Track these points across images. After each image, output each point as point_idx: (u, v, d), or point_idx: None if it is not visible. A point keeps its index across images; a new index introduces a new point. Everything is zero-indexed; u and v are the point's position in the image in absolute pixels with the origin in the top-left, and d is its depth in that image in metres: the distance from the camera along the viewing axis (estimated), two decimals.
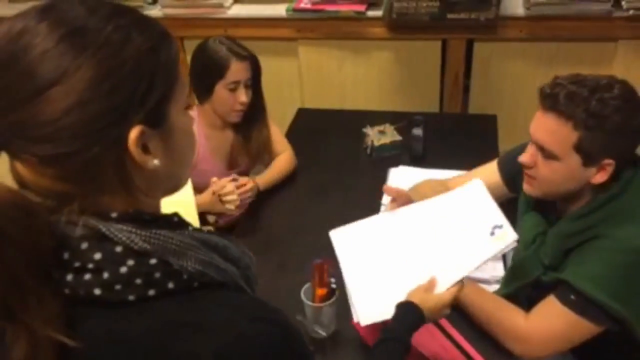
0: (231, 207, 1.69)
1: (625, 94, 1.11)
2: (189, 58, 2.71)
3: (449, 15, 2.32)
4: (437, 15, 2.33)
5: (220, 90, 1.73)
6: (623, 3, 2.25)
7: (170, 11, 2.62)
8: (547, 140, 1.15)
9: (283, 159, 1.92)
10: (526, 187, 1.25)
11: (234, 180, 1.73)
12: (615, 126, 1.09)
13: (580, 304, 1.14)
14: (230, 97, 1.75)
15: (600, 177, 1.14)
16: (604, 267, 1.12)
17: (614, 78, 1.16)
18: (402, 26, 2.44)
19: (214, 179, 1.73)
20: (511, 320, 1.22)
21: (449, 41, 2.49)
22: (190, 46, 2.73)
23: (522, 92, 2.52)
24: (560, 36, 2.34)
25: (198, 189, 1.89)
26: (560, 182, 1.18)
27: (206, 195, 1.72)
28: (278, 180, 1.87)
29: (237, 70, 1.72)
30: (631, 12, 2.23)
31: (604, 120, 1.08)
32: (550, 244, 1.22)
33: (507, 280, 1.33)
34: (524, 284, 1.28)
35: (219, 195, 1.69)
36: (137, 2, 2.65)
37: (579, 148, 1.11)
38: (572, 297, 1.15)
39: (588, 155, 1.12)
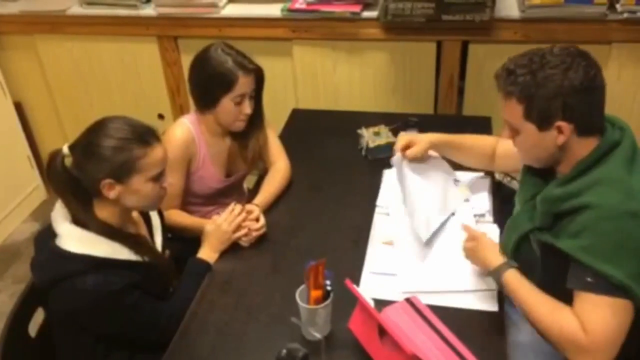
0: (245, 244, 1.64)
1: (561, 59, 1.19)
2: (182, 57, 2.75)
3: (444, 17, 2.32)
4: (432, 17, 2.33)
5: (226, 103, 1.71)
6: (617, 6, 2.25)
7: (164, 10, 2.60)
8: (506, 118, 1.29)
9: (280, 174, 1.86)
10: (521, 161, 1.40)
11: (248, 212, 1.65)
12: (548, 92, 1.18)
13: (598, 283, 1.16)
14: (235, 109, 1.73)
15: (561, 139, 1.22)
16: (595, 237, 1.17)
17: (556, 46, 1.23)
18: (397, 27, 2.44)
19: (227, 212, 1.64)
20: (570, 330, 1.19)
21: (444, 43, 2.49)
22: (184, 45, 2.73)
23: None
24: (555, 39, 2.34)
25: (196, 195, 1.88)
26: (531, 150, 1.29)
27: (215, 233, 1.62)
28: (277, 197, 1.82)
29: (244, 83, 1.70)
30: (625, 15, 2.24)
31: (536, 89, 1.19)
32: (539, 207, 1.30)
33: (506, 233, 1.42)
34: (520, 236, 1.35)
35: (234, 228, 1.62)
36: (132, 2, 2.64)
37: (527, 117, 1.23)
38: (589, 279, 1.17)
39: (538, 121, 1.22)
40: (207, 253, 1.60)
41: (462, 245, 1.45)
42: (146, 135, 1.36)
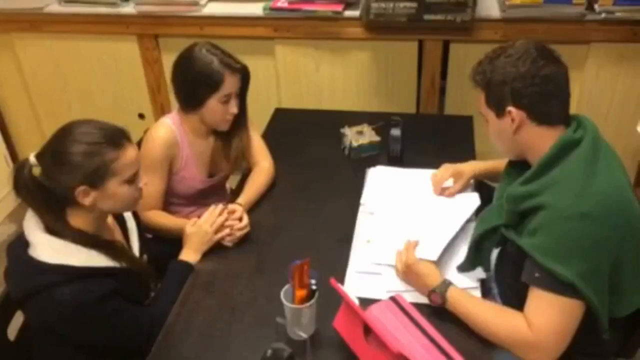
0: (229, 244, 1.63)
1: (516, 49, 1.27)
2: (163, 56, 2.73)
3: (426, 17, 2.33)
4: (414, 17, 2.34)
5: (212, 103, 1.70)
6: (595, 7, 2.29)
7: (144, 8, 2.58)
8: (478, 107, 1.37)
9: (263, 173, 1.86)
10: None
11: (230, 212, 1.64)
12: (500, 77, 1.27)
13: (544, 279, 1.20)
14: (221, 109, 1.71)
15: (514, 125, 1.29)
16: (548, 237, 1.21)
17: (520, 40, 1.30)
18: (379, 27, 2.44)
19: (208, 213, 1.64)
20: (516, 330, 1.22)
21: (426, 42, 2.51)
22: (165, 44, 2.70)
23: None
24: (535, 38, 2.36)
25: (178, 195, 1.86)
26: (496, 138, 1.37)
27: (196, 233, 1.61)
28: (260, 196, 1.82)
29: (231, 83, 1.69)
30: (603, 15, 2.28)
31: (491, 75, 1.29)
32: (505, 205, 1.34)
33: (475, 227, 1.47)
34: (485, 229, 1.40)
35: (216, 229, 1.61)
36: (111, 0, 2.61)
37: (487, 103, 1.33)
38: (536, 274, 1.21)
39: (495, 106, 1.31)
40: (189, 254, 1.59)
41: (396, 267, 1.44)
42: (117, 137, 1.32)
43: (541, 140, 1.28)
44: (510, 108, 1.27)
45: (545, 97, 1.25)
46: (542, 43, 1.29)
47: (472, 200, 1.67)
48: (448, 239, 1.49)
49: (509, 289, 1.38)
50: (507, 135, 1.32)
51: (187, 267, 1.56)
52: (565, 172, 1.23)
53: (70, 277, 1.27)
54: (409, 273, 1.40)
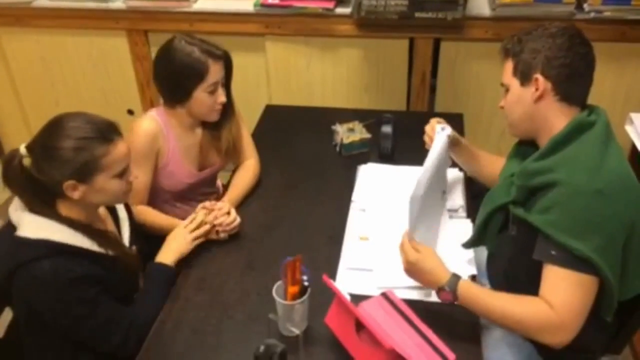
0: (222, 237, 1.62)
1: (555, 25, 1.32)
2: (153, 51, 2.68)
3: (417, 15, 2.34)
4: (405, 14, 2.34)
5: (200, 94, 1.68)
6: (585, 6, 2.31)
7: (134, 3, 2.56)
8: (502, 77, 1.40)
9: (250, 171, 1.86)
10: (508, 130, 1.45)
11: (212, 210, 1.63)
12: (535, 45, 1.31)
13: (561, 256, 1.21)
14: (209, 99, 1.70)
15: (537, 94, 1.31)
16: (564, 213, 1.22)
17: (561, 22, 1.34)
18: (370, 24, 2.44)
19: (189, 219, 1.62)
20: (540, 313, 1.20)
21: (417, 40, 2.51)
22: (155, 40, 2.68)
23: (487, 91, 2.56)
24: None
25: (168, 191, 1.84)
26: (513, 107, 1.38)
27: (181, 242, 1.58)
28: (247, 193, 1.81)
29: (215, 71, 1.67)
30: (592, 14, 2.30)
31: (525, 43, 1.33)
32: (516, 181, 1.36)
33: (482, 206, 1.48)
34: (493, 208, 1.41)
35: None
36: None
37: (515, 72, 1.35)
38: (553, 252, 1.22)
39: (522, 74, 1.33)
40: (167, 256, 1.53)
41: (403, 259, 1.35)
42: (107, 132, 1.32)
43: (556, 116, 1.31)
44: (538, 76, 1.30)
45: (573, 74, 1.29)
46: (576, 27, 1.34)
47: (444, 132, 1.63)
48: (429, 173, 1.45)
49: (505, 279, 1.36)
50: (525, 105, 1.34)
51: (166, 271, 1.51)
52: (580, 149, 1.26)
53: (51, 251, 1.27)
54: (413, 271, 1.34)
